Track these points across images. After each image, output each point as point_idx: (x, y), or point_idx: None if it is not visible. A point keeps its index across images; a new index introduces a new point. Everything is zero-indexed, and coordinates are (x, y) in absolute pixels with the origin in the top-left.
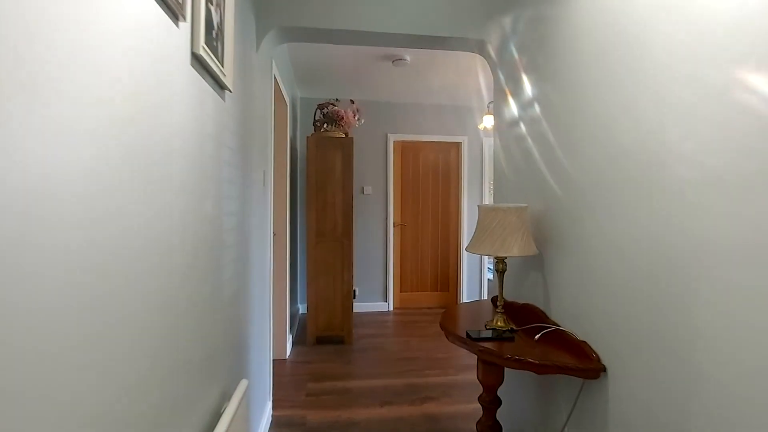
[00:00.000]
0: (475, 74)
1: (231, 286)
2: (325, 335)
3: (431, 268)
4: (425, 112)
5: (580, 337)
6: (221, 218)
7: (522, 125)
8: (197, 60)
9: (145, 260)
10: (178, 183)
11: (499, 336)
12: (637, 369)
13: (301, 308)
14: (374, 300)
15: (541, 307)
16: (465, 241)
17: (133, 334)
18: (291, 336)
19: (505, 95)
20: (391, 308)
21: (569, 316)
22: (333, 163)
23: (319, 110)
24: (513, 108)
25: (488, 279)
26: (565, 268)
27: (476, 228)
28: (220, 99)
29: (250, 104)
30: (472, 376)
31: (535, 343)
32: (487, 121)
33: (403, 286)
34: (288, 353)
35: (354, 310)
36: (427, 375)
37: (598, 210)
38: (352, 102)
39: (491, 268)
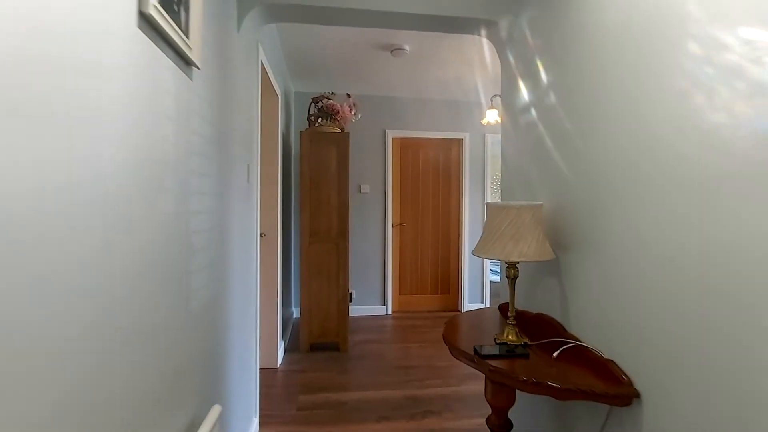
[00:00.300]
0: (478, 66)
1: (203, 295)
2: (319, 342)
3: (431, 270)
4: (425, 107)
5: (607, 355)
6: (187, 217)
7: (533, 112)
8: (147, 22)
9: (64, 275)
10: (111, 170)
11: (511, 352)
12: (681, 396)
13: (295, 312)
14: (372, 303)
15: (558, 318)
16: (467, 241)
17: (36, 373)
18: (283, 343)
19: (515, 81)
20: (390, 312)
21: (592, 329)
22: (328, 160)
23: (313, 104)
24: (524, 94)
25: (490, 281)
26: (587, 273)
27: (484, 229)
28: (185, 76)
29: (230, 90)
30: (476, 386)
31: (553, 362)
32: (491, 116)
33: (402, 288)
34: (279, 361)
35: (350, 314)
36: (428, 386)
37: (630, 207)
38: (349, 96)
39: (494, 270)
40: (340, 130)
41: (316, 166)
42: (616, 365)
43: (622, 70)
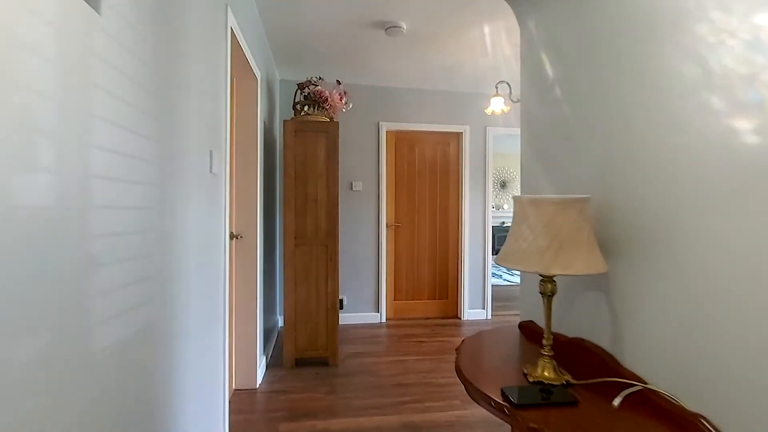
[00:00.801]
0: (479, 51)
1: (120, 328)
2: (305, 356)
3: (429, 274)
4: (422, 98)
5: (692, 407)
6: (86, 214)
7: (569, 84)
8: None
9: None
10: None
11: (551, 396)
12: None
13: (281, 321)
14: (364, 310)
15: (606, 347)
16: (467, 243)
17: None
18: (264, 358)
19: (537, 49)
20: (384, 319)
21: (663, 366)
22: (315, 152)
23: (299, 91)
24: (551, 63)
25: (492, 285)
26: (654, 292)
27: (512, 230)
28: (87, 7)
29: (179, 53)
30: (484, 411)
31: (615, 413)
32: (496, 104)
33: (397, 294)
34: (259, 380)
35: (341, 322)
36: (429, 409)
37: (730, 208)
38: (339, 83)
39: (497, 273)
40: (329, 120)
41: (301, 159)
42: (708, 422)
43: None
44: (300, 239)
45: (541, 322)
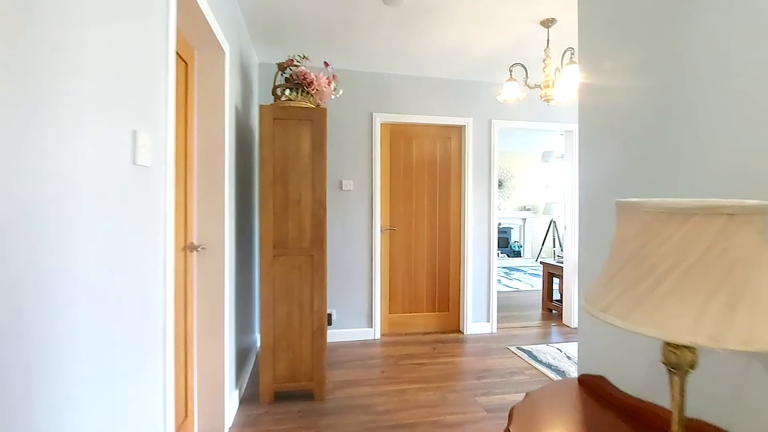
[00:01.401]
0: (489, 27)
1: None
2: (286, 388)
3: (428, 283)
4: (420, 86)
5: None
6: None
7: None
8: None
9: None
10: None
11: None
12: None
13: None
14: (356, 325)
15: None
16: (470, 248)
17: None
18: (238, 391)
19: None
20: (378, 335)
21: None
22: (298, 145)
23: (280, 73)
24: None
25: (497, 292)
26: None
27: (613, 261)
28: None
29: None
30: None
31: None
32: (510, 91)
33: (392, 306)
34: (229, 423)
35: (329, 340)
36: None
37: None
38: (327, 65)
39: (502, 281)
40: (314, 106)
41: (282, 152)
42: None
43: None
44: (280, 249)
45: (614, 378)
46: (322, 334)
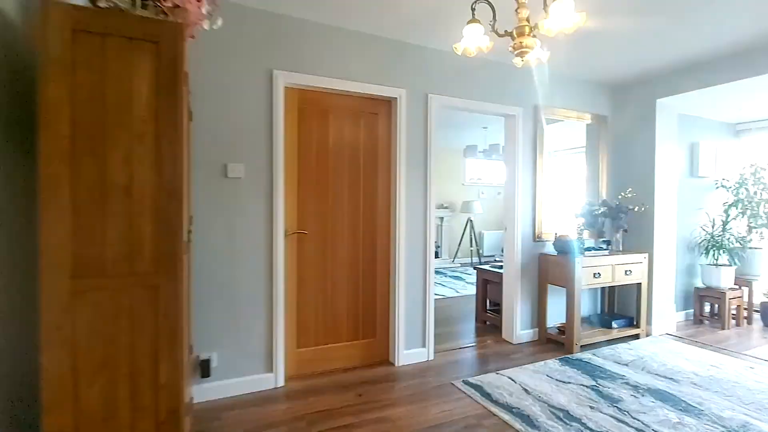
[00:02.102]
0: None
1: None
2: None
3: (349, 302)
4: (340, 40)
5: None
6: None
7: None
8: None
9: None
10: None
11: None
12: None
13: None
14: (249, 371)
15: None
16: (401, 255)
17: None
18: None
19: None
20: (282, 382)
21: None
22: (128, 85)
23: None
24: None
25: (434, 298)
26: None
27: None
28: None
29: None
30: None
31: None
32: (470, 36)
33: (302, 338)
34: None
35: (206, 398)
36: None
37: None
38: None
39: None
40: (162, 19)
41: (93, 96)
42: None
43: None
44: (89, 277)
45: None
46: (176, 424)
